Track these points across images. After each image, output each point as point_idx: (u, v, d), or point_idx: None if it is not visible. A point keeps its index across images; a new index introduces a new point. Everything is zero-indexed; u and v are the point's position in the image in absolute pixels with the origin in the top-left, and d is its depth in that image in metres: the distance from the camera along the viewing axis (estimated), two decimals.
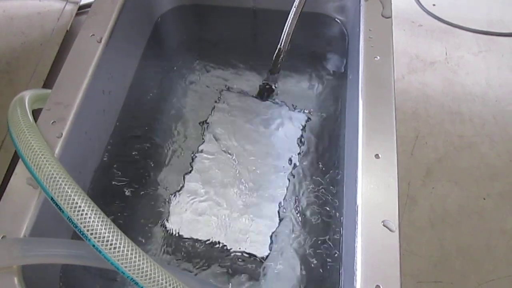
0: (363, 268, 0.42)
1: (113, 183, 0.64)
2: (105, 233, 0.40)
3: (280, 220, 0.61)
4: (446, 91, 1.05)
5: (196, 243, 0.59)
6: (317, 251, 0.59)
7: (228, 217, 0.61)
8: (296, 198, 0.63)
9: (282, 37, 0.65)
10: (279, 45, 0.66)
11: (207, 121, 0.70)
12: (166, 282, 0.40)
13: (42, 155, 0.44)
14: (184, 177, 0.64)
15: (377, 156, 0.48)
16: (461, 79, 1.07)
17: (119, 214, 0.62)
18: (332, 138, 0.68)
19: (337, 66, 0.75)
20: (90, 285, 0.58)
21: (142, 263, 0.40)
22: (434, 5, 1.21)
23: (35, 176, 0.43)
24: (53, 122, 0.51)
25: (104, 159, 0.64)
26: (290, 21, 0.64)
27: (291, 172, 0.65)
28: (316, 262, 0.58)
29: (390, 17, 0.59)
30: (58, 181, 0.42)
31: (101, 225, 0.40)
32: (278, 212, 0.61)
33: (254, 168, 0.65)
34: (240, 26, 0.80)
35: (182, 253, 0.60)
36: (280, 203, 0.62)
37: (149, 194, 0.64)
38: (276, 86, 0.72)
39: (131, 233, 0.60)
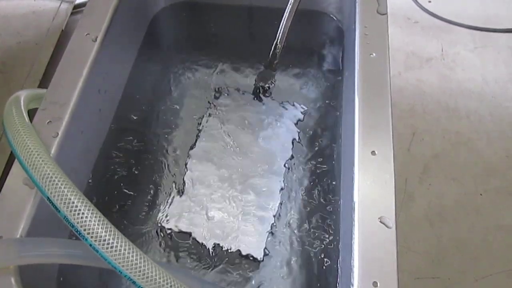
0: (360, 264, 0.42)
1: (110, 182, 0.64)
2: (102, 232, 0.40)
3: (277, 218, 0.61)
4: (443, 87, 1.05)
5: (193, 243, 0.59)
6: (314, 248, 0.59)
7: (224, 217, 0.61)
8: (293, 195, 0.63)
9: (278, 35, 0.65)
10: (275, 42, 0.66)
11: (203, 119, 0.70)
12: (164, 281, 0.40)
13: (38, 155, 0.44)
14: (181, 176, 0.64)
15: (373, 152, 0.48)
16: (457, 76, 1.07)
17: (116, 213, 0.62)
18: (328, 135, 0.68)
19: (333, 63, 0.75)
20: (87, 285, 0.58)
21: (140, 262, 0.40)
22: (429, 1, 1.21)
23: (31, 176, 0.43)
24: (48, 122, 0.51)
25: (100, 158, 0.64)
26: (286, 18, 0.64)
27: (287, 169, 0.65)
28: (313, 259, 0.58)
29: (386, 14, 0.59)
30: (54, 180, 0.42)
31: (97, 224, 0.40)
32: (275, 209, 0.61)
33: (250, 166, 0.65)
34: (236, 23, 0.80)
35: (179, 253, 0.60)
36: (276, 201, 0.62)
37: (146, 193, 0.64)
38: (272, 83, 0.72)
39: (128, 232, 0.60)
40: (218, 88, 0.74)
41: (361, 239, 0.43)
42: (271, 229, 0.60)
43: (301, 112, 0.71)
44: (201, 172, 0.64)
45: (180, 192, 0.63)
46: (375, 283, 0.41)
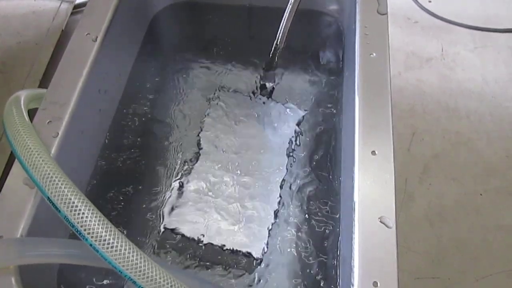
0: (360, 264, 0.42)
1: (110, 182, 0.64)
2: (102, 232, 0.40)
3: (276, 218, 0.61)
4: (443, 87, 1.05)
5: (192, 242, 0.59)
6: (315, 248, 0.59)
7: (224, 215, 0.61)
8: (292, 195, 0.63)
9: (278, 35, 0.65)
10: (275, 42, 0.66)
11: (203, 120, 0.70)
12: (164, 281, 0.40)
13: (38, 154, 0.44)
14: (181, 176, 0.64)
15: (373, 152, 0.48)
16: (457, 76, 1.07)
17: (116, 213, 0.62)
18: (329, 135, 0.68)
19: (333, 63, 0.75)
20: (87, 285, 0.58)
21: (140, 262, 0.40)
22: (430, 1, 1.21)
23: (31, 176, 0.43)
24: (49, 122, 0.51)
25: (101, 158, 0.64)
26: (286, 18, 0.64)
27: (287, 169, 0.65)
28: (313, 259, 0.58)
29: (386, 13, 0.60)
30: (54, 180, 0.42)
31: (98, 224, 0.40)
32: (274, 209, 0.61)
33: (250, 165, 0.65)
34: (236, 23, 0.80)
35: (179, 252, 0.60)
36: (276, 200, 0.62)
37: (146, 193, 0.64)
38: (272, 83, 0.72)
39: (127, 232, 0.60)
40: (218, 88, 0.73)
41: (361, 239, 0.43)
42: (271, 228, 0.60)
43: (301, 112, 0.71)
44: (202, 172, 0.65)
45: (180, 192, 0.63)
46: (375, 283, 0.41)
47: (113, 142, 0.66)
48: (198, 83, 0.75)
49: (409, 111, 1.01)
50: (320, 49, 0.77)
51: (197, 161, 0.66)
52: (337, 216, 0.58)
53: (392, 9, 0.60)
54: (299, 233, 0.60)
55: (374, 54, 0.55)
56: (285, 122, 0.69)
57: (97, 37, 0.59)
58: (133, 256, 0.40)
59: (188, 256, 0.59)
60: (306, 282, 0.57)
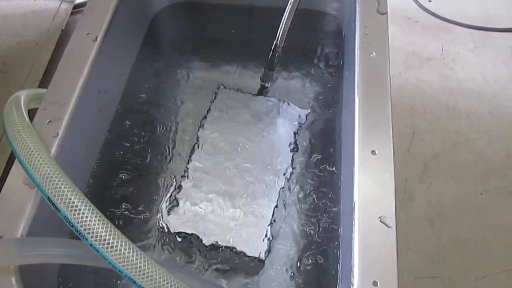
0: (360, 264, 0.42)
1: (110, 182, 0.64)
2: (102, 232, 0.40)
3: (276, 217, 0.61)
4: (443, 87, 1.05)
5: (192, 242, 0.59)
6: (315, 247, 0.59)
7: (223, 215, 0.61)
8: (293, 194, 0.63)
9: (278, 34, 0.65)
10: (275, 42, 0.66)
11: (204, 119, 0.70)
12: (164, 281, 0.40)
13: (38, 154, 0.44)
14: (180, 175, 0.64)
15: (373, 152, 0.48)
16: (458, 75, 1.07)
17: (116, 213, 0.62)
18: (329, 134, 0.68)
19: (333, 62, 0.75)
20: (88, 285, 0.58)
21: (140, 262, 0.40)
22: (430, 1, 1.21)
23: (31, 176, 0.43)
24: (49, 122, 0.51)
25: (101, 158, 0.64)
26: (286, 18, 0.64)
27: (287, 168, 0.65)
28: (313, 258, 0.58)
29: (386, 13, 0.60)
30: (54, 180, 0.42)
31: (98, 224, 0.40)
32: (274, 209, 0.61)
33: (250, 165, 0.65)
34: (236, 23, 0.80)
35: (178, 252, 0.60)
36: (276, 199, 0.62)
37: (147, 192, 0.64)
38: (272, 82, 0.72)
39: (128, 232, 0.60)
40: (219, 88, 0.73)
41: (361, 238, 0.43)
42: (271, 227, 0.60)
43: (302, 112, 0.71)
44: (202, 171, 0.64)
45: (180, 192, 0.63)
46: (375, 283, 0.41)
47: (113, 142, 0.66)
48: (198, 83, 0.75)
49: (409, 111, 1.01)
50: (320, 49, 0.77)
51: (198, 161, 0.66)
52: (337, 216, 0.58)
53: (392, 8, 0.60)
54: (298, 233, 0.60)
55: (374, 54, 0.55)
56: (285, 121, 0.69)
57: (97, 37, 0.59)
58: (133, 256, 0.40)
59: (187, 256, 0.59)
60: (306, 282, 0.57)
